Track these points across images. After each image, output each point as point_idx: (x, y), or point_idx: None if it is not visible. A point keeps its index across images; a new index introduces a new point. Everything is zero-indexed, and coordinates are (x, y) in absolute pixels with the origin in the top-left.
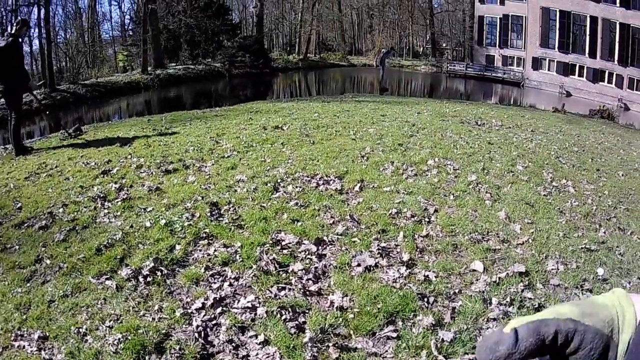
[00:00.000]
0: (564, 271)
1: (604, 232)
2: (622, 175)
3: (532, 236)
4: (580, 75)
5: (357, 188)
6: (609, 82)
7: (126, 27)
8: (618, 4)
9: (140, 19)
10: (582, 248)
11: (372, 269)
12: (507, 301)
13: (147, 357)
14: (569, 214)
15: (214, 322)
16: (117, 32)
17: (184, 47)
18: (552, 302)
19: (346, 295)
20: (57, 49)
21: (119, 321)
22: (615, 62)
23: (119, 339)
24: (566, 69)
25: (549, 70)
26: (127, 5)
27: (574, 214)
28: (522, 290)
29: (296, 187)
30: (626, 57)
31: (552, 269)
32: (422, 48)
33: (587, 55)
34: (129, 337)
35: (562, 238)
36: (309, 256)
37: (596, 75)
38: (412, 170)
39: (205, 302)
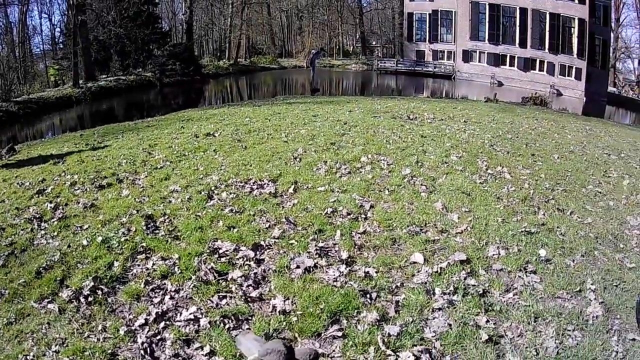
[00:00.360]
0: (506, 255)
1: (543, 214)
2: (558, 158)
3: (470, 224)
4: (512, 65)
5: (291, 190)
6: (540, 70)
7: (57, 40)
8: None
9: (70, 31)
10: (522, 231)
11: (311, 269)
12: (450, 290)
13: None
14: (507, 200)
15: (158, 337)
16: (48, 46)
17: (114, 58)
18: (496, 286)
19: (288, 299)
20: None
21: (64, 345)
22: (546, 51)
23: None
24: (497, 60)
25: (479, 62)
26: (57, 18)
27: (511, 199)
28: (465, 278)
29: (230, 193)
30: (557, 45)
31: (494, 255)
32: (352, 47)
33: (517, 45)
34: None
35: (501, 223)
36: (247, 262)
37: (527, 64)
38: (345, 169)
39: (148, 317)
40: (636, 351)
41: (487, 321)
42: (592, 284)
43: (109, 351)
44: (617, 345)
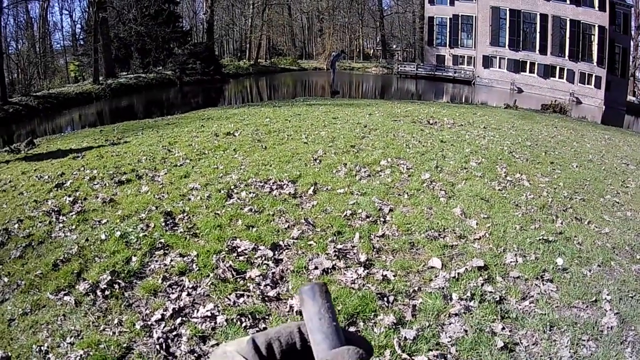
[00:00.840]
0: (523, 263)
1: (561, 223)
2: (577, 166)
3: (488, 230)
4: (532, 71)
5: (310, 191)
6: (560, 77)
7: (77, 36)
8: (568, 1)
9: (91, 27)
10: (539, 239)
11: (329, 271)
12: (467, 296)
13: None
14: (525, 207)
15: (174, 333)
16: (68, 42)
17: (134, 56)
18: (513, 294)
19: None
20: (9, 60)
21: (79, 337)
22: (566, 58)
23: (81, 355)
24: (517, 66)
25: (499, 67)
26: (78, 14)
27: (529, 206)
28: (482, 284)
29: (250, 192)
30: (577, 52)
31: (511, 262)
32: (372, 50)
33: (537, 52)
34: (91, 353)
35: (519, 231)
36: (265, 262)
37: (547, 71)
38: (365, 172)
39: (165, 313)
40: None
41: (503, 328)
42: (608, 295)
43: (124, 345)
44: (631, 357)
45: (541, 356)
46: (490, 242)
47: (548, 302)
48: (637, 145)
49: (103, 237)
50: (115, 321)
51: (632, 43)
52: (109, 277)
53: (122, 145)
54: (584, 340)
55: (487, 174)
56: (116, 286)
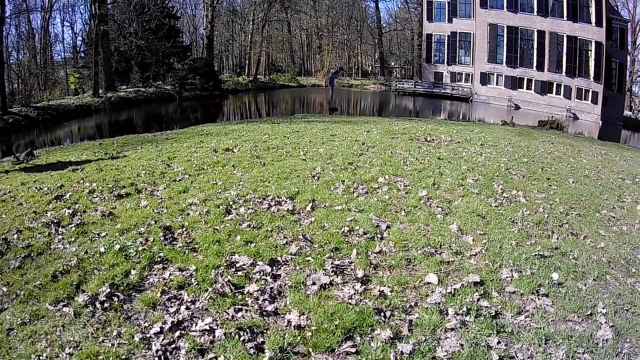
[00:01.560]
0: (519, 278)
1: (557, 238)
2: (573, 182)
3: (485, 246)
4: (529, 88)
5: (308, 208)
6: (557, 93)
7: (78, 48)
8: (565, 18)
9: (92, 40)
10: (535, 255)
11: (327, 286)
12: (463, 311)
13: None
14: (521, 223)
15: (173, 345)
16: (69, 54)
17: (134, 70)
18: (509, 308)
19: (303, 314)
20: (10, 70)
21: (78, 348)
22: (563, 74)
23: None
24: (514, 83)
25: (497, 84)
26: (79, 27)
27: (525, 222)
28: (478, 300)
29: (248, 208)
30: (574, 68)
31: (507, 277)
32: (371, 67)
33: (534, 68)
34: None
35: (515, 247)
36: (263, 277)
37: (544, 88)
38: (363, 188)
39: (164, 326)
40: None
41: (499, 342)
42: (603, 308)
43: (123, 357)
44: None
45: None
46: (486, 257)
47: (543, 316)
48: (633, 160)
49: (102, 250)
50: (114, 333)
51: (628, 58)
52: (108, 290)
53: (122, 159)
54: (579, 353)
55: (483, 190)
56: (115, 299)
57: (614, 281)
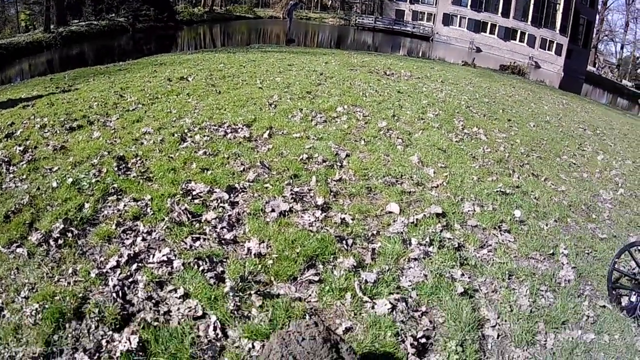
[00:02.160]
0: (481, 213)
1: (518, 177)
2: (534, 126)
3: (446, 179)
4: (492, 32)
5: (266, 135)
6: (521, 41)
7: None
8: None
9: None
10: (497, 191)
11: (286, 214)
12: (426, 241)
13: (67, 325)
14: (482, 160)
15: (130, 279)
16: None
17: (87, 3)
18: (471, 242)
19: (263, 242)
20: None
21: (34, 290)
22: (529, 23)
23: (37, 309)
24: (478, 27)
25: (459, 26)
26: None
27: (486, 159)
28: (441, 231)
29: (204, 136)
30: (540, 18)
31: (469, 211)
32: (330, 1)
33: (499, 14)
34: (46, 306)
35: (476, 182)
36: (221, 204)
37: (508, 34)
38: (321, 117)
39: (120, 259)
40: (606, 318)
41: (462, 274)
42: (565, 249)
43: (80, 295)
44: (588, 310)
45: (501, 303)
46: (448, 190)
47: (506, 251)
48: (594, 112)
49: (54, 184)
50: (70, 271)
51: (597, 17)
52: (62, 226)
53: (73, 92)
54: (542, 290)
55: (444, 125)
56: (69, 234)
57: (574, 224)
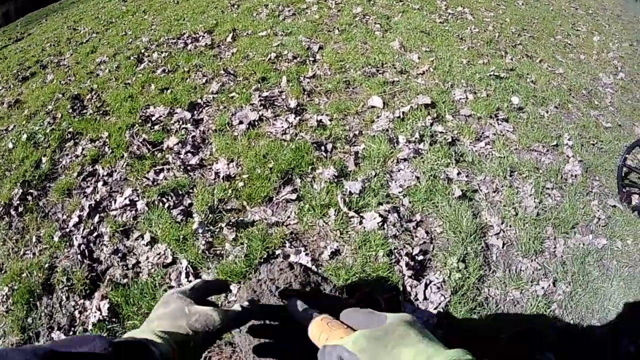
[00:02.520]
0: (474, 100)
1: (511, 59)
2: (523, 4)
3: (432, 65)
4: None
5: (229, 39)
6: None
7: None
8: None
9: None
10: (490, 75)
11: (256, 123)
12: (416, 138)
13: (38, 304)
14: (470, 41)
15: (95, 234)
16: None
17: None
18: (466, 134)
19: (232, 161)
20: None
21: (2, 272)
22: None
23: (6, 293)
24: None
25: None
26: None
27: (475, 40)
28: (431, 124)
29: (162, 52)
30: None
31: (461, 99)
32: None
33: None
34: (15, 287)
35: (466, 65)
36: (184, 126)
37: None
38: (289, 10)
39: (82, 213)
40: (617, 220)
41: (459, 173)
42: (569, 139)
43: (47, 265)
44: (599, 211)
45: (504, 206)
46: (436, 77)
47: (505, 143)
48: None
49: (10, 145)
50: (34, 239)
51: None
52: (21, 190)
53: (27, 38)
54: (549, 188)
55: (425, 6)
56: (29, 198)
57: (576, 111)
